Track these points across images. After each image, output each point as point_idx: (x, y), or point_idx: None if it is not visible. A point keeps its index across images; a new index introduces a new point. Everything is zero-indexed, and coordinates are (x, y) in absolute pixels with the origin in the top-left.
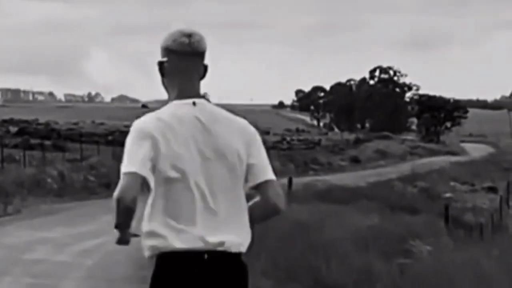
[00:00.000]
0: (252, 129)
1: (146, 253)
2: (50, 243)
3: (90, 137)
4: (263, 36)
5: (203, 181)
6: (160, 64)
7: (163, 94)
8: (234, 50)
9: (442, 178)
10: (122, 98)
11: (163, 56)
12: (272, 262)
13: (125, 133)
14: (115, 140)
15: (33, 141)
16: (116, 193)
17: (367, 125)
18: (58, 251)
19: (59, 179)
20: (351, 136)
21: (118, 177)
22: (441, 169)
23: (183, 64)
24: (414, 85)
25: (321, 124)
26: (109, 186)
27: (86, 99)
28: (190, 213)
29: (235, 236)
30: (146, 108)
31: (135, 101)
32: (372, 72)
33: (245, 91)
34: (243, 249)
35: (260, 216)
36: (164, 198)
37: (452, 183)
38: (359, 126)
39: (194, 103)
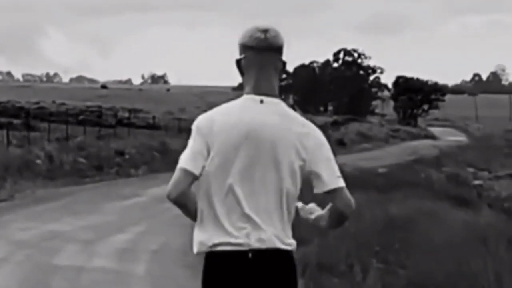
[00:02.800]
0: (318, 134)
1: (195, 249)
2: (69, 240)
3: (59, 116)
4: (225, 17)
5: (247, 183)
6: (238, 61)
7: (122, 75)
8: (195, 32)
9: (456, 164)
10: (80, 78)
11: (240, 53)
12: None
13: (95, 113)
14: (86, 120)
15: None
16: (167, 188)
17: (330, 107)
18: (89, 252)
19: (47, 161)
20: (322, 119)
21: (109, 159)
22: (449, 153)
23: (259, 60)
24: (378, 67)
25: None
26: (101, 168)
27: (45, 79)
28: (231, 213)
29: (276, 234)
30: (105, 88)
31: (93, 81)
32: (336, 54)
33: (205, 73)
34: (285, 246)
35: (329, 223)
36: (210, 196)
37: (469, 169)
38: (322, 109)
39: (261, 101)
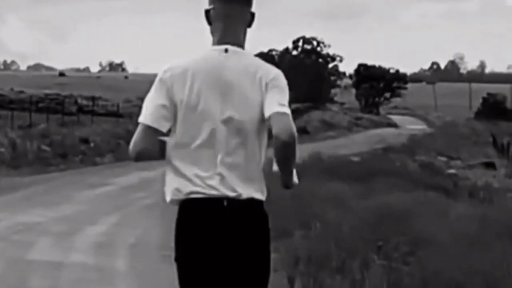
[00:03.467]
0: (278, 75)
1: (168, 197)
2: (42, 232)
3: (19, 104)
4: (183, 5)
5: (217, 130)
6: (206, 12)
7: (79, 63)
8: (150, 19)
9: (427, 152)
10: (38, 66)
11: (209, 3)
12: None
13: (55, 101)
14: (47, 107)
15: None
16: (129, 147)
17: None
18: (66, 247)
19: (10, 149)
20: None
21: (73, 147)
22: (417, 141)
23: (227, 11)
24: (338, 56)
25: None
26: (65, 156)
27: (2, 67)
28: (205, 161)
29: (251, 185)
30: (63, 76)
31: (51, 69)
32: (295, 42)
33: (163, 60)
34: (260, 196)
35: (275, 155)
36: (182, 145)
37: (441, 158)
38: None
39: (226, 50)
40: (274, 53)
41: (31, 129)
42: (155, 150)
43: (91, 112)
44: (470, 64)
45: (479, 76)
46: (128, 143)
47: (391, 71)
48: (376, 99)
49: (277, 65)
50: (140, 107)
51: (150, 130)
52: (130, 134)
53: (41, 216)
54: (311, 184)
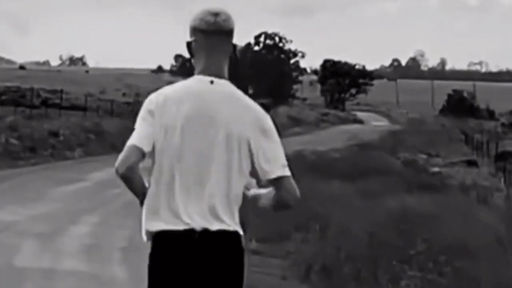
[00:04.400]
0: (267, 119)
1: (144, 238)
2: (23, 233)
3: None
4: None
5: (195, 162)
6: (188, 44)
7: (40, 55)
8: (110, 14)
9: (404, 149)
10: None
11: (191, 35)
12: None
13: (17, 93)
14: (10, 99)
15: None
16: (115, 164)
17: (250, 91)
18: (53, 250)
19: None
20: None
21: (42, 140)
22: (388, 138)
23: (209, 43)
24: (300, 51)
25: None
26: (34, 150)
27: None
28: (178, 192)
29: (224, 216)
30: (23, 69)
31: (11, 62)
32: (257, 38)
33: (123, 55)
34: (234, 228)
35: (272, 207)
36: (158, 175)
37: (420, 155)
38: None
39: (211, 82)
40: (236, 48)
41: None
42: (140, 176)
43: (55, 105)
44: (431, 61)
45: (440, 73)
46: (97, 136)
47: (357, 67)
48: (342, 95)
49: (239, 61)
50: (112, 101)
51: (136, 150)
52: (99, 127)
53: (17, 214)
54: (301, 182)
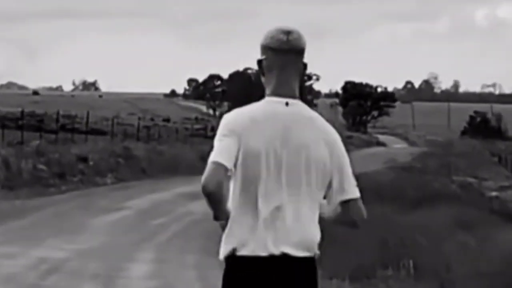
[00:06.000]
0: (340, 142)
1: (221, 256)
2: (76, 275)
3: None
4: (155, 24)
5: (276, 184)
6: (259, 62)
7: (52, 81)
8: (123, 39)
9: (449, 172)
10: (10, 85)
11: (262, 54)
12: None
13: (33, 117)
14: (29, 124)
15: None
16: (202, 180)
17: None
18: None
19: (3, 167)
20: None
21: (71, 166)
22: (424, 161)
23: (280, 61)
24: (314, 74)
25: (217, 113)
26: (63, 176)
27: None
28: (261, 215)
29: (303, 240)
30: (37, 94)
31: (23, 88)
32: None
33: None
34: (312, 253)
35: (335, 222)
36: (240, 197)
37: (469, 178)
38: None
39: (287, 104)
40: (250, 71)
41: (23, 146)
42: (227, 191)
43: (74, 130)
44: (444, 84)
45: (453, 95)
46: (126, 161)
47: (379, 89)
48: (364, 117)
49: (253, 84)
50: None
51: (221, 167)
52: (128, 152)
53: (63, 250)
54: (371, 209)
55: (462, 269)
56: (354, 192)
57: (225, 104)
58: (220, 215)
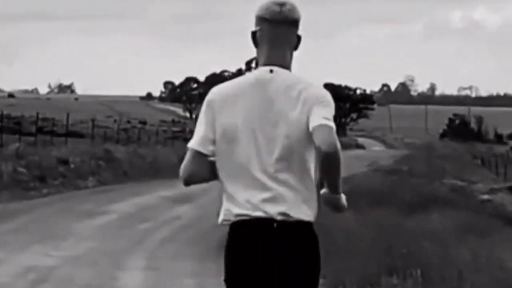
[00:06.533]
0: (327, 96)
1: (220, 218)
2: (66, 284)
3: None
4: (130, 26)
5: (258, 150)
6: (253, 34)
7: (28, 84)
8: (98, 41)
9: (442, 175)
10: None
11: (256, 25)
12: None
13: (10, 119)
14: (6, 127)
15: None
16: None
17: None
18: None
19: None
20: None
21: (52, 169)
22: (408, 163)
23: (274, 32)
24: None
25: (194, 116)
26: (44, 179)
27: None
28: (252, 180)
29: (300, 205)
30: (13, 97)
31: None
32: (248, 63)
33: (111, 83)
34: (312, 218)
35: (320, 171)
36: (227, 166)
37: (457, 181)
38: None
39: (271, 71)
40: (226, 74)
41: (2, 149)
42: (205, 172)
43: (51, 133)
44: (420, 86)
45: (430, 98)
46: (108, 164)
47: (358, 91)
48: (343, 120)
49: None
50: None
51: (198, 154)
52: (109, 154)
53: (49, 257)
54: (369, 212)
55: (475, 277)
56: (319, 121)
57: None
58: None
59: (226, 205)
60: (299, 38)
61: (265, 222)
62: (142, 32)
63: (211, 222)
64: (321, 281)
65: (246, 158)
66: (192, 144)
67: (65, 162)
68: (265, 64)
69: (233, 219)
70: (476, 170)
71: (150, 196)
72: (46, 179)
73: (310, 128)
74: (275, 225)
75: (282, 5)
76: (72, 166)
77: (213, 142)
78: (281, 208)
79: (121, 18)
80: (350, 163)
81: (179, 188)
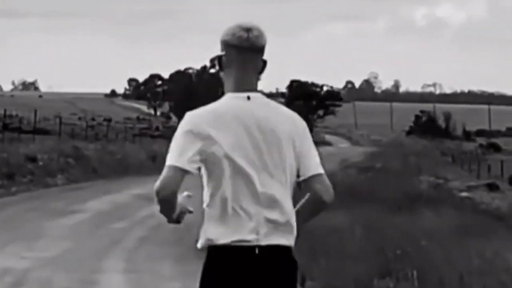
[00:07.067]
0: (303, 123)
1: (199, 245)
2: None
3: None
4: (94, 24)
5: (257, 175)
6: (219, 58)
7: None
8: (62, 39)
9: (411, 171)
10: None
11: (222, 49)
12: None
13: None
14: None
15: None
16: (156, 185)
17: None
18: None
19: None
20: None
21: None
22: (376, 160)
23: (241, 58)
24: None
25: (158, 113)
26: (13, 177)
27: None
28: (244, 207)
29: (285, 231)
30: None
31: None
32: (212, 60)
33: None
34: (292, 243)
35: (309, 211)
36: (218, 190)
37: (433, 179)
38: None
39: (248, 97)
40: (191, 71)
41: None
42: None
43: (18, 130)
44: (384, 83)
45: (394, 95)
46: (77, 161)
47: (325, 88)
48: (310, 116)
49: (195, 84)
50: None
51: (179, 172)
52: (78, 151)
53: (24, 259)
54: (356, 211)
55: (478, 281)
56: (318, 169)
57: (166, 104)
58: (170, 217)
59: (207, 231)
60: (264, 62)
61: (247, 249)
62: (105, 29)
63: (185, 221)
64: (309, 283)
65: (238, 187)
66: (177, 163)
67: (33, 159)
68: (235, 90)
69: (212, 244)
70: (448, 167)
71: (122, 194)
72: (15, 177)
73: (306, 173)
74: (256, 251)
75: (249, 30)
76: (40, 163)
77: (197, 163)
78: (266, 235)
79: (85, 15)
80: (322, 161)
81: (149, 186)
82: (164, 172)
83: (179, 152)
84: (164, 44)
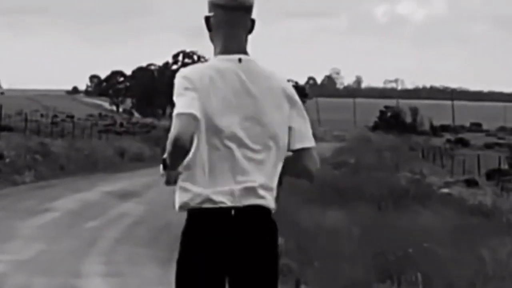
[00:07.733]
0: (293, 91)
1: (177, 206)
2: None
3: None
4: (57, 21)
5: (237, 141)
6: (207, 18)
7: None
8: (23, 36)
9: (386, 167)
10: None
11: (209, 10)
12: None
13: None
14: None
15: None
16: (173, 132)
17: (168, 111)
18: None
19: None
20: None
21: None
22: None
23: (229, 19)
24: None
25: (120, 109)
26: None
27: None
28: (222, 169)
29: (264, 194)
30: None
31: None
32: (175, 56)
33: (38, 77)
34: (271, 206)
35: (292, 175)
36: (200, 152)
37: (410, 174)
38: (160, 112)
39: (239, 60)
40: (153, 67)
41: None
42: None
43: None
44: (346, 79)
45: (356, 91)
46: (44, 158)
47: (290, 83)
48: None
49: (157, 80)
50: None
51: (192, 118)
52: (45, 148)
53: None
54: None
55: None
56: (311, 142)
57: (128, 100)
58: (173, 167)
59: (185, 192)
60: (253, 22)
61: (224, 211)
62: (67, 26)
63: (161, 219)
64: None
65: (220, 148)
66: (189, 109)
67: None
68: (224, 51)
69: (191, 206)
70: (419, 162)
71: (92, 192)
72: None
73: (298, 145)
74: (232, 212)
75: None
76: (7, 160)
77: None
78: (245, 196)
79: (46, 12)
80: None
81: (120, 183)
82: (176, 121)
83: (187, 102)
84: (126, 41)
